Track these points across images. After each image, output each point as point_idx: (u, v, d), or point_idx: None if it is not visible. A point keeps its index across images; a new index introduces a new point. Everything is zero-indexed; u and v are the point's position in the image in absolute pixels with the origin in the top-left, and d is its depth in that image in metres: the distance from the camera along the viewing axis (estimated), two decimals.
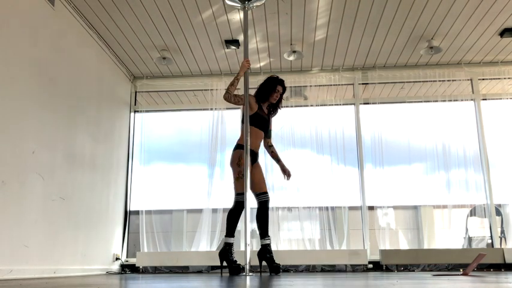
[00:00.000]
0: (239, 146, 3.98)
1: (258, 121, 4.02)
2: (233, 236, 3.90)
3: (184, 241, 5.96)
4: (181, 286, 2.11)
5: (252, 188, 3.96)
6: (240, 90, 5.16)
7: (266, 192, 4.02)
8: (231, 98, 3.90)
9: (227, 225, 3.92)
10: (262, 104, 4.10)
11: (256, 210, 4.00)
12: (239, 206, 3.89)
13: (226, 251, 3.84)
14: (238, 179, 3.89)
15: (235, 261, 3.81)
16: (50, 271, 3.98)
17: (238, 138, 4.06)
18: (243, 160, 3.82)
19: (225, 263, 3.88)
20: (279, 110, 4.23)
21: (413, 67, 6.04)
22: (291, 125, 5.99)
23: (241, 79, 3.98)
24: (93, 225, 4.96)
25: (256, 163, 4.04)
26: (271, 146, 4.24)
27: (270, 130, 4.21)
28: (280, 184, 5.76)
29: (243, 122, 3.98)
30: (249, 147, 3.80)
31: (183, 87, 6.32)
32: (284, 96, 6.25)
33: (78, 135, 4.66)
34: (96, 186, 5.04)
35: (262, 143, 4.14)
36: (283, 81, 4.17)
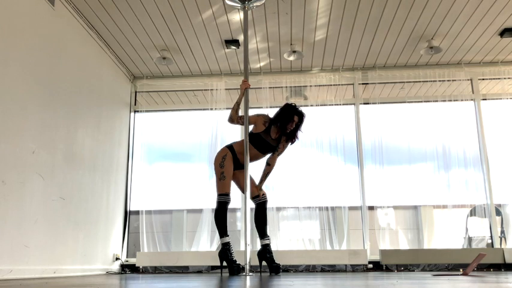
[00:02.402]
0: (228, 146, 4.01)
1: (257, 142, 3.93)
2: (227, 235, 3.89)
3: (184, 241, 5.96)
4: (181, 286, 2.11)
5: (242, 191, 4.01)
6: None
7: (258, 196, 4.03)
8: (234, 121, 3.94)
9: (217, 227, 3.90)
10: (272, 128, 3.95)
11: (254, 212, 4.03)
12: (223, 206, 3.88)
13: (225, 251, 3.84)
14: (221, 180, 3.89)
15: (235, 260, 3.81)
16: (50, 271, 3.99)
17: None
18: (227, 161, 3.89)
19: (225, 263, 3.88)
20: (296, 140, 4.03)
21: (413, 67, 6.04)
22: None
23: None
24: (93, 225, 4.96)
25: (242, 170, 3.95)
26: (270, 164, 4.10)
27: (276, 151, 4.06)
28: (281, 184, 5.77)
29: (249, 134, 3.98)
30: (248, 148, 3.81)
31: (183, 87, 6.32)
32: (284, 96, 6.29)
33: (78, 135, 4.66)
34: (96, 186, 5.04)
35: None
36: (301, 112, 3.96)
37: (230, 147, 4.01)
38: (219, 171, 3.91)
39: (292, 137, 3.99)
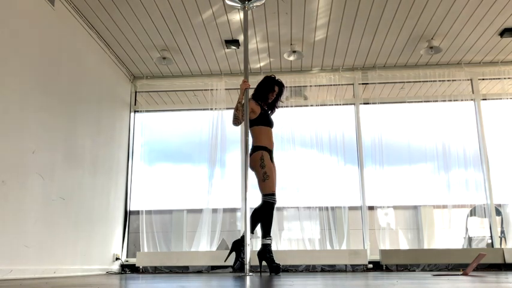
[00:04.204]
0: (259, 148, 3.99)
1: (267, 120, 4.10)
2: (270, 237, 3.93)
3: (184, 241, 5.96)
4: (181, 286, 2.11)
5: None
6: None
7: (274, 194, 4.03)
8: (240, 120, 3.97)
9: (262, 226, 3.93)
10: (262, 104, 4.16)
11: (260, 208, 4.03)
12: (270, 206, 3.90)
13: (265, 252, 3.87)
14: (265, 180, 3.90)
15: (273, 260, 3.87)
16: (50, 271, 3.99)
17: (253, 140, 4.06)
18: (266, 161, 3.92)
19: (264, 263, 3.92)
20: (276, 110, 4.30)
21: (413, 67, 6.04)
22: (291, 125, 6.00)
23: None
24: (93, 225, 4.96)
25: (272, 163, 4.08)
26: None
27: None
28: (281, 184, 5.76)
29: (251, 125, 4.02)
30: (249, 147, 3.80)
31: (183, 87, 6.32)
32: (284, 96, 6.29)
33: (78, 135, 4.66)
34: (96, 186, 5.04)
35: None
36: (281, 82, 4.22)
37: (261, 147, 4.00)
38: (261, 172, 3.91)
39: (272, 107, 4.25)
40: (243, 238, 3.90)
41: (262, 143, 4.00)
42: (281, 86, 4.21)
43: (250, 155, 3.98)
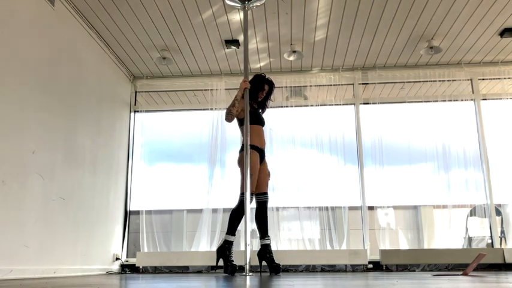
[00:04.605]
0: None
1: (257, 118, 4.06)
2: (234, 235, 3.89)
3: (184, 241, 5.96)
4: (181, 286, 2.11)
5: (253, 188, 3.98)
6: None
7: (266, 193, 4.02)
8: (234, 115, 3.96)
9: (229, 223, 3.90)
10: (252, 102, 4.12)
11: (255, 210, 4.02)
12: (241, 205, 3.87)
13: (224, 249, 3.84)
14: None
15: (232, 260, 3.81)
16: (50, 271, 3.99)
17: (243, 138, 4.04)
18: (252, 159, 3.86)
19: (221, 262, 3.88)
20: (266, 109, 4.27)
21: (413, 67, 6.04)
22: (291, 125, 6.00)
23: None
24: (93, 225, 4.96)
25: (263, 162, 4.06)
26: None
27: None
28: (280, 184, 5.77)
29: (240, 124, 4.03)
30: (249, 148, 3.80)
31: (183, 87, 6.32)
32: (284, 96, 6.31)
33: (78, 135, 4.66)
34: (96, 186, 5.04)
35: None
36: (271, 81, 4.19)
37: (250, 146, 3.93)
38: (243, 170, 3.90)
39: (262, 106, 4.23)
40: (225, 243, 3.88)
41: (251, 142, 3.98)
42: (271, 84, 4.18)
43: (239, 152, 3.99)
